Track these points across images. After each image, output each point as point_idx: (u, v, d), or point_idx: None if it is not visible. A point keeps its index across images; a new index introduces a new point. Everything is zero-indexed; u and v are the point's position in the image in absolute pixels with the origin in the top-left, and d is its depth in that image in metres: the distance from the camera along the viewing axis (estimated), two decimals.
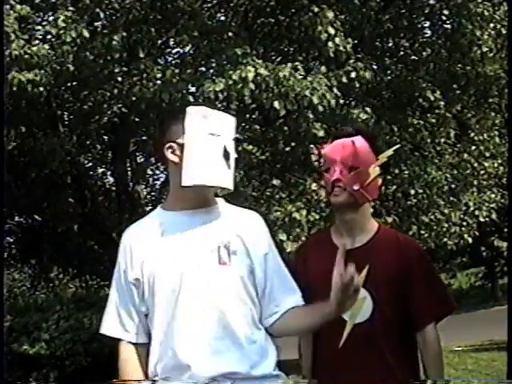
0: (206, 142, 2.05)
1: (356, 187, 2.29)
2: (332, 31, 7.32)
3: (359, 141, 2.33)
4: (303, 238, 7.77)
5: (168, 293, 2.07)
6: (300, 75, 7.11)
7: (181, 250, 2.10)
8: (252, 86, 6.85)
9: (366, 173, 2.30)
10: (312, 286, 2.27)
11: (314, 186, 8.48)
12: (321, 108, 7.04)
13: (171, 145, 2.10)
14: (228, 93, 6.96)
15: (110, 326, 2.18)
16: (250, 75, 6.83)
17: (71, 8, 7.24)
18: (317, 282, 2.24)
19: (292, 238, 7.74)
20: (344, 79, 7.57)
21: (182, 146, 2.07)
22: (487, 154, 10.35)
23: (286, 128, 8.32)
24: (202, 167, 2.04)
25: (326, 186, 2.37)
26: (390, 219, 8.83)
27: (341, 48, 7.32)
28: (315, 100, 6.96)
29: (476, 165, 10.26)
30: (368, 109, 7.96)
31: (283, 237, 7.72)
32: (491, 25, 8.97)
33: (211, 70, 8.38)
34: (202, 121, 2.07)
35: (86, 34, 6.97)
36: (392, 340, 2.28)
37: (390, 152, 2.43)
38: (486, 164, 10.28)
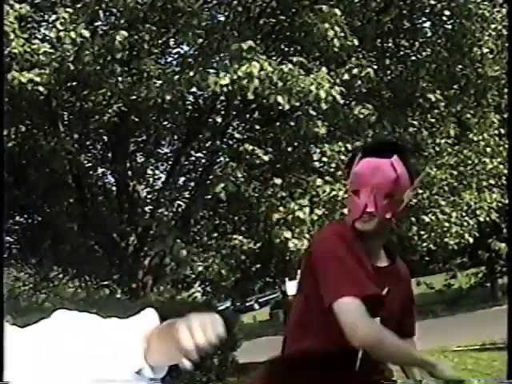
0: None
1: (388, 216, 2.08)
2: (336, 28, 7.33)
3: (398, 164, 2.06)
4: (306, 235, 7.78)
5: None
6: (304, 71, 7.11)
7: None
8: (257, 81, 6.82)
9: (400, 200, 2.10)
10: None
11: (318, 182, 8.40)
12: (324, 105, 7.03)
13: None
14: (232, 87, 6.92)
15: None
16: (255, 70, 6.80)
17: (71, 8, 7.24)
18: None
19: (296, 236, 7.76)
20: (346, 76, 7.57)
21: None
22: (488, 150, 10.33)
23: (287, 127, 8.31)
24: None
25: (353, 209, 2.10)
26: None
27: (344, 45, 7.33)
28: (322, 94, 6.90)
29: (477, 161, 10.24)
30: (369, 105, 7.96)
31: (288, 234, 7.74)
32: (492, 26, 8.97)
33: (215, 66, 8.35)
34: None
35: (86, 33, 6.97)
36: None
37: (423, 176, 2.29)
38: (487, 160, 10.25)
